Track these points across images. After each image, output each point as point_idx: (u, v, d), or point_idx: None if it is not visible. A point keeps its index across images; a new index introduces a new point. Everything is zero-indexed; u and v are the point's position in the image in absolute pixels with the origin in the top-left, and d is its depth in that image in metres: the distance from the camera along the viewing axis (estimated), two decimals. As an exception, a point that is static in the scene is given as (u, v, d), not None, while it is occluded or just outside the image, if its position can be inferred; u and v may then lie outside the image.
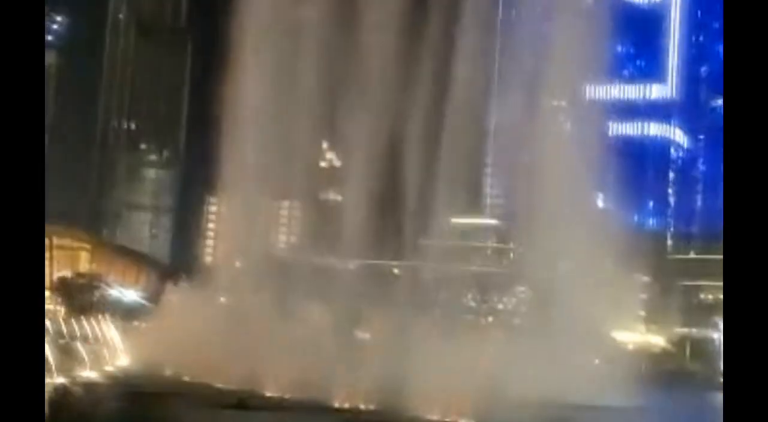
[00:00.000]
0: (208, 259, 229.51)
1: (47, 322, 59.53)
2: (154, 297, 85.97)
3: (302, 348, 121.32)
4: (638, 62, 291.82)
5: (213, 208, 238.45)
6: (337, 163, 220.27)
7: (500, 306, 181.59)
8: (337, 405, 56.84)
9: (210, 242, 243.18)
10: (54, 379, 56.28)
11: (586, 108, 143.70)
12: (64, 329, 63.56)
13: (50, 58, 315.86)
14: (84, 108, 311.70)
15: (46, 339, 59.67)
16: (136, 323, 78.34)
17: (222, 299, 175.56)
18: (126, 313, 77.79)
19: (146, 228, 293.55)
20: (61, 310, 60.10)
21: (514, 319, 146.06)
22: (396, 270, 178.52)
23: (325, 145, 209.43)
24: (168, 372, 66.56)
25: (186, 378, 64.34)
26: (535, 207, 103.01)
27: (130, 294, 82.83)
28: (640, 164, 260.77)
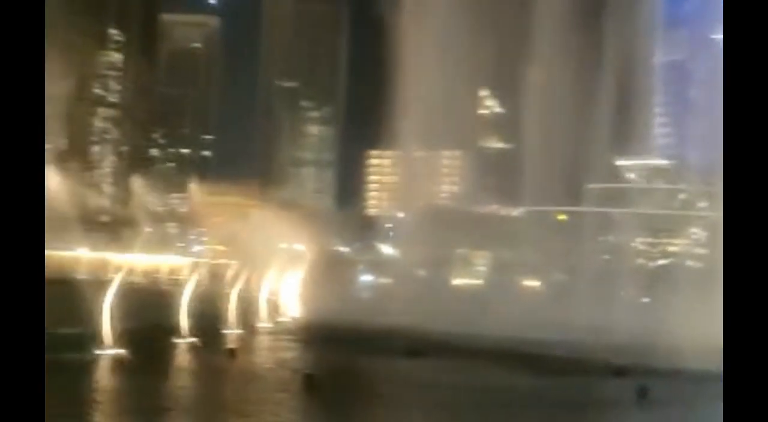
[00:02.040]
0: (372, 212, 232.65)
1: (232, 274, 61.65)
2: (320, 250, 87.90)
3: (469, 297, 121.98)
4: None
5: (374, 161, 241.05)
6: (498, 110, 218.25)
7: (672, 249, 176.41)
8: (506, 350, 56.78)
9: (373, 194, 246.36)
10: (234, 330, 58.30)
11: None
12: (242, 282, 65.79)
13: (213, 22, 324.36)
14: (247, 69, 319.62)
15: (228, 291, 62.01)
16: (307, 275, 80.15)
17: (388, 250, 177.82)
18: (302, 266, 79.87)
19: (311, 183, 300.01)
20: (238, 265, 62.49)
21: (687, 262, 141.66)
22: (561, 216, 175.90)
23: (484, 93, 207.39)
24: (339, 321, 67.96)
25: (357, 328, 65.57)
26: (708, 145, 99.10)
27: (298, 248, 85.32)
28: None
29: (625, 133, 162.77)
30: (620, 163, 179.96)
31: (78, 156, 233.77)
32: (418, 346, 55.05)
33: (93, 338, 45.21)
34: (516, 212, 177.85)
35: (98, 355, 44.15)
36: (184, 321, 52.68)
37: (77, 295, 46.51)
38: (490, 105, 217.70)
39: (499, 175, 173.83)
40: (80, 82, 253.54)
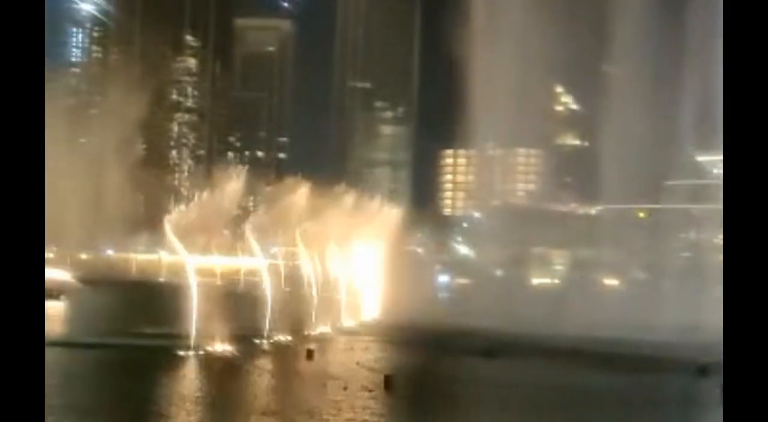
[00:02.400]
0: (447, 211, 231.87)
1: (310, 275, 61.81)
2: (396, 250, 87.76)
3: (547, 297, 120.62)
4: None
5: (448, 161, 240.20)
6: (575, 106, 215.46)
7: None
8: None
9: (448, 194, 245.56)
10: (314, 331, 58.51)
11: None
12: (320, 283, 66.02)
13: (287, 25, 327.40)
14: (321, 71, 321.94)
15: (307, 293, 62.28)
16: (380, 276, 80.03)
17: (464, 250, 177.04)
18: (379, 267, 79.78)
19: (385, 183, 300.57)
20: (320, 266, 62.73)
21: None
22: (641, 214, 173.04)
23: (559, 89, 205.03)
24: (414, 322, 67.73)
25: (436, 329, 65.30)
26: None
27: (373, 249, 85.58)
28: None
29: (708, 128, 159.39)
30: (702, 158, 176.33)
31: (156, 161, 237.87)
32: (497, 347, 54.65)
33: (177, 339, 45.84)
34: (594, 210, 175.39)
35: (182, 356, 44.72)
36: (265, 323, 53.09)
37: (161, 297, 47.21)
38: (566, 102, 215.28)
39: (577, 173, 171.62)
40: (158, 88, 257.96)
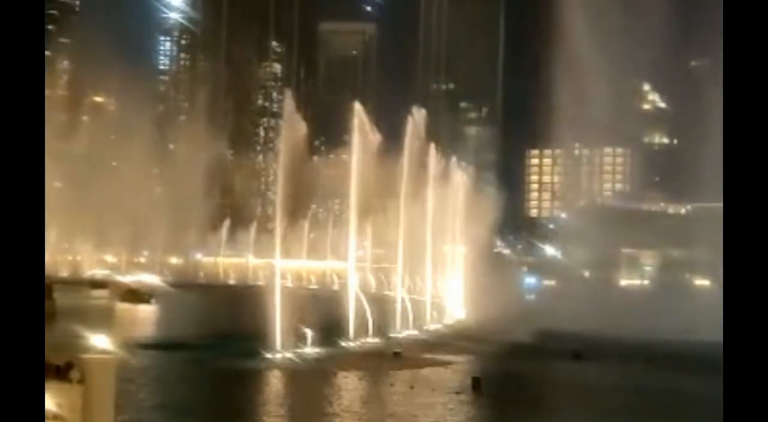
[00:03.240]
0: (533, 212, 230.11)
1: (398, 280, 62.06)
2: (482, 251, 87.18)
3: (638, 299, 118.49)
4: None
5: (534, 161, 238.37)
6: (662, 105, 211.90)
7: None
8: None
9: (534, 195, 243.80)
10: (403, 333, 58.52)
11: None
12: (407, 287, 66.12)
13: (370, 29, 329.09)
14: (404, 74, 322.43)
15: (393, 294, 62.43)
16: (471, 277, 79.64)
17: (551, 251, 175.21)
18: (465, 268, 79.46)
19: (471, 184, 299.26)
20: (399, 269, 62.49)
21: None
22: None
23: (647, 87, 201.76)
24: (496, 326, 67.25)
25: (525, 332, 64.78)
26: None
27: (460, 250, 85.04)
28: None
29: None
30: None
31: (244, 165, 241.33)
32: (586, 349, 53.97)
33: (266, 341, 46.37)
34: (684, 209, 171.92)
35: (271, 359, 45.21)
36: (351, 325, 53.32)
37: (248, 300, 47.74)
38: (653, 100, 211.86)
39: (666, 171, 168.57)
40: (243, 93, 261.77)
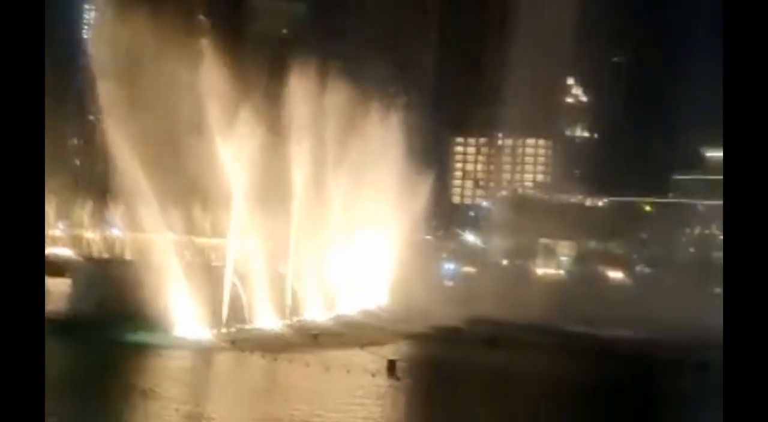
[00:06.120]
0: (456, 199, 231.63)
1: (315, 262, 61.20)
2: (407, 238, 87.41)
3: (553, 287, 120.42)
4: None
5: (458, 149, 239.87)
6: (584, 98, 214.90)
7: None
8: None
9: (457, 182, 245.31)
10: (323, 316, 58.35)
11: None
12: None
13: (300, 9, 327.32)
14: (333, 55, 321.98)
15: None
16: (386, 263, 79.77)
17: (470, 238, 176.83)
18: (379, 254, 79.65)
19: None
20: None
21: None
22: (647, 207, 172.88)
23: (570, 81, 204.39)
24: (415, 312, 67.66)
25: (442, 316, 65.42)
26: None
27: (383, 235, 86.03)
28: None
29: (717, 123, 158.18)
30: (710, 153, 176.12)
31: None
32: (502, 336, 54.89)
33: (176, 320, 46.04)
34: (601, 202, 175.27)
35: (183, 337, 44.95)
36: (267, 305, 53.07)
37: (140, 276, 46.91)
38: (576, 94, 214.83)
39: (585, 165, 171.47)
40: (168, 67, 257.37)
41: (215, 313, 47.89)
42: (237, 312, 50.04)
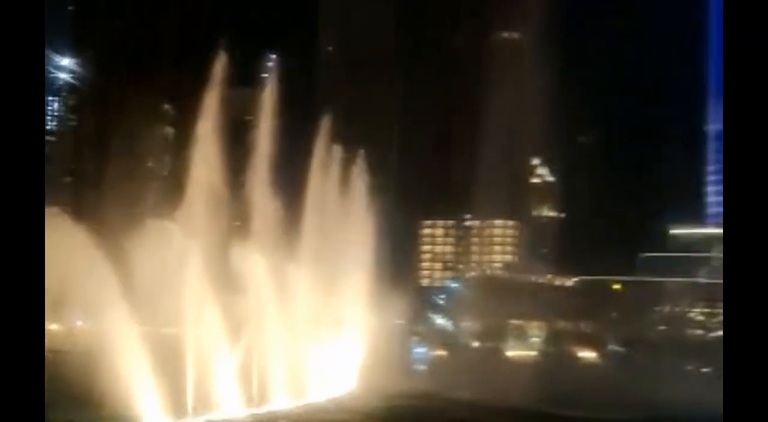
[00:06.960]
0: (425, 282, 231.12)
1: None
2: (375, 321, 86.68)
3: (525, 369, 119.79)
4: None
5: (426, 231, 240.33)
6: (550, 179, 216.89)
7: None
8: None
9: (426, 264, 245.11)
10: (289, 403, 57.17)
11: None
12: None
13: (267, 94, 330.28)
14: (298, 142, 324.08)
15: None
16: (354, 347, 78.96)
17: (441, 321, 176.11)
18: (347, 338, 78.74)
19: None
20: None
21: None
22: (616, 286, 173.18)
23: (535, 161, 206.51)
24: (388, 394, 66.76)
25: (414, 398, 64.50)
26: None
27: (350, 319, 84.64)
28: None
29: (680, 201, 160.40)
30: (675, 231, 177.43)
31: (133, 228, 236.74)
32: (473, 418, 54.22)
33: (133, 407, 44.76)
34: (570, 281, 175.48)
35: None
36: (232, 390, 51.90)
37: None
38: (541, 174, 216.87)
39: (553, 244, 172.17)
40: (135, 156, 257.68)
41: (179, 403, 46.67)
42: (203, 401, 48.79)
